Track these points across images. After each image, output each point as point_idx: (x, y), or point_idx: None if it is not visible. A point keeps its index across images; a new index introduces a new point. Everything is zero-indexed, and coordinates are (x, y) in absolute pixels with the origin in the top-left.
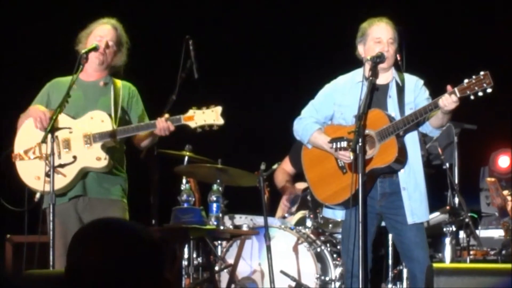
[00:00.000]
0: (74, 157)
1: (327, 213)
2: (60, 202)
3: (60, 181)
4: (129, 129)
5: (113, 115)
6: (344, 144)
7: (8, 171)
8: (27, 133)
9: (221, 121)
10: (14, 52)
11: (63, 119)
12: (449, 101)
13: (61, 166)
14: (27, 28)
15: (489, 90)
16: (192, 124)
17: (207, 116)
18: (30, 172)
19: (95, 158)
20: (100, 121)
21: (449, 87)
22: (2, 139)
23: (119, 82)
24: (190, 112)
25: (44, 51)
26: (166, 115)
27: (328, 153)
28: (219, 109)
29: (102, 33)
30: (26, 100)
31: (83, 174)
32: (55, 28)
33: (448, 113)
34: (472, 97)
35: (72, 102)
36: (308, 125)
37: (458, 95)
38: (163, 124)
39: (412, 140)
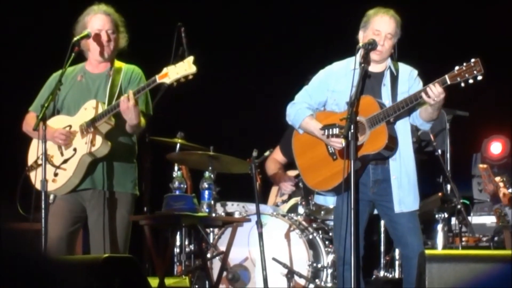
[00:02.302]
0: (74, 150)
1: (319, 199)
2: (68, 191)
3: (64, 176)
4: (110, 109)
5: (106, 100)
6: (336, 131)
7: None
8: (35, 146)
9: (193, 69)
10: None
11: (61, 119)
12: (434, 92)
13: (65, 162)
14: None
15: (479, 78)
16: (167, 80)
17: (179, 69)
18: (40, 177)
19: (90, 142)
20: (92, 108)
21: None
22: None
23: (122, 66)
24: (164, 70)
25: (42, 48)
26: (130, 91)
27: (318, 139)
28: (190, 58)
29: (98, 25)
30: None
31: (89, 164)
32: (52, 24)
33: (436, 107)
34: (462, 84)
35: (74, 96)
36: (300, 110)
37: (448, 82)
38: (124, 101)
39: (403, 129)
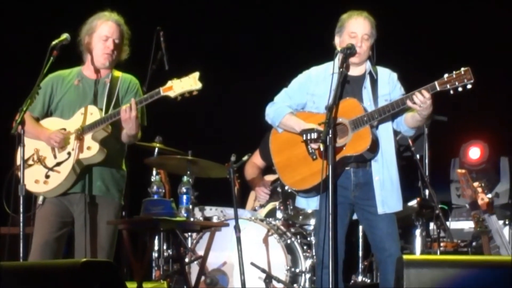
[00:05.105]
0: (68, 153)
1: (301, 203)
2: (58, 194)
3: (56, 179)
4: (109, 116)
5: (104, 107)
6: (314, 135)
7: (15, 184)
8: (26, 145)
9: (199, 85)
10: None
11: (55, 122)
12: (420, 98)
13: (58, 164)
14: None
15: (469, 86)
16: (171, 94)
17: (185, 83)
18: (30, 178)
19: (86, 148)
20: (89, 114)
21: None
22: None
23: (119, 75)
24: (168, 83)
25: (37, 48)
26: (133, 101)
27: (298, 138)
28: (196, 74)
29: (107, 32)
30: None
31: (82, 169)
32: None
33: (425, 116)
34: (451, 92)
35: (70, 99)
36: (280, 108)
37: (438, 88)
38: (125, 111)
39: (386, 132)
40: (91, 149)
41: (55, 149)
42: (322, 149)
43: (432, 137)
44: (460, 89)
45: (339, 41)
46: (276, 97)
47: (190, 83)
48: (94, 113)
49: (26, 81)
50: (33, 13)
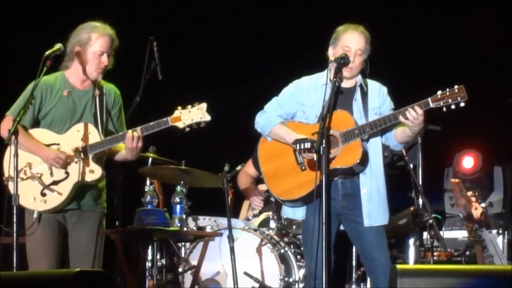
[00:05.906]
0: (67, 173)
1: (287, 213)
2: (53, 212)
3: (56, 199)
4: (113, 140)
5: (99, 125)
6: (307, 145)
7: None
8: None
9: (208, 117)
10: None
11: (48, 136)
12: (413, 114)
13: (55, 183)
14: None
15: (462, 104)
16: (180, 125)
17: (194, 115)
18: (25, 194)
19: (89, 171)
20: (87, 133)
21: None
22: None
23: (102, 84)
24: (176, 113)
25: (20, 53)
26: (138, 129)
27: (287, 148)
28: (204, 105)
29: (103, 47)
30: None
31: (78, 188)
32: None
33: (416, 131)
34: (444, 109)
35: (61, 112)
36: (271, 117)
37: (431, 105)
38: (133, 139)
39: (374, 145)
40: (94, 172)
41: (52, 167)
42: (315, 159)
43: (425, 147)
44: (453, 106)
45: (333, 53)
46: (266, 105)
47: (199, 114)
48: (93, 133)
49: (14, 87)
50: (23, 20)
